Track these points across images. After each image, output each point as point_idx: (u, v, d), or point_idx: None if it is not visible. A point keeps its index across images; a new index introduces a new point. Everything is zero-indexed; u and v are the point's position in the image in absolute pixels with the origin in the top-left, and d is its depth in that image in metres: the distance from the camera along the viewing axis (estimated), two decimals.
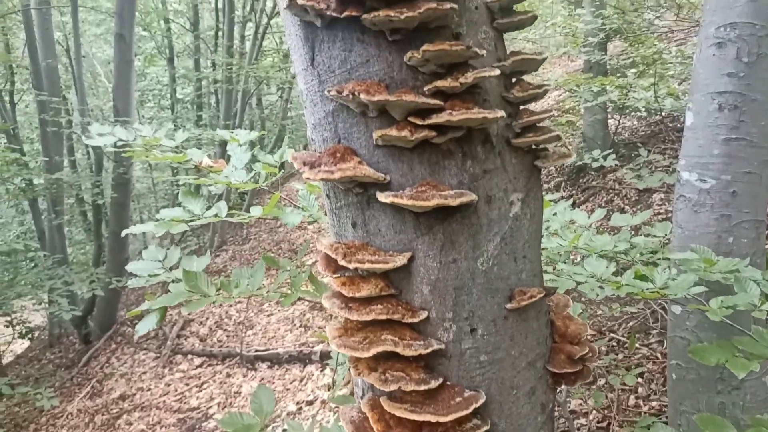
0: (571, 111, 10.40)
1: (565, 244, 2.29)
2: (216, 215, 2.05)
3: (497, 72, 0.97)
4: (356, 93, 0.93)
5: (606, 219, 5.05)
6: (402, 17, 0.90)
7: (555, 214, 2.86)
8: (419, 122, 0.94)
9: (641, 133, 8.38)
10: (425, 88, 0.97)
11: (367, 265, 0.95)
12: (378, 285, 0.99)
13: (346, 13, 0.93)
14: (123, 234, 1.98)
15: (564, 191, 8.51)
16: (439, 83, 0.95)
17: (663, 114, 6.00)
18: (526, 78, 1.13)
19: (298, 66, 1.09)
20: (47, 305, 9.11)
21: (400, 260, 0.97)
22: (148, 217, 15.68)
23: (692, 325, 2.69)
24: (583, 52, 5.70)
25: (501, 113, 0.97)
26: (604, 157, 4.57)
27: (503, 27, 1.10)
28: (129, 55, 8.90)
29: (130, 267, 2.14)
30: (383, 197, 0.96)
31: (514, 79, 1.13)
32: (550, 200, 2.89)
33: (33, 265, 10.57)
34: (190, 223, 1.98)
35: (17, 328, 10.26)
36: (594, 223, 2.77)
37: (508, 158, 1.07)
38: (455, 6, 0.93)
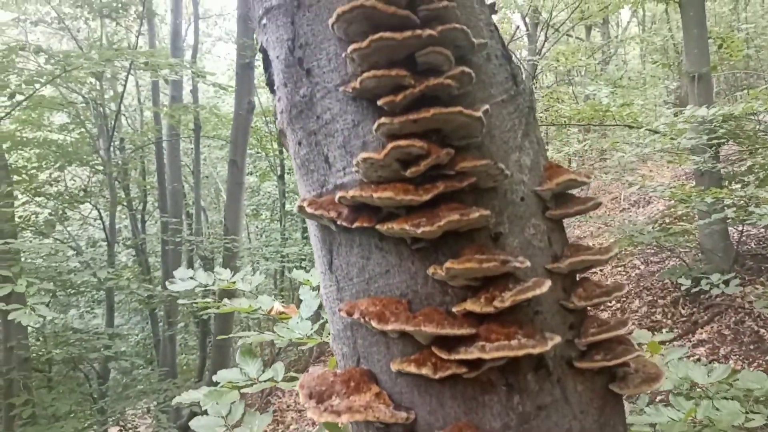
0: (684, 218, 9.55)
1: (679, 419, 1.88)
2: (272, 379, 1.93)
3: (546, 287, 0.77)
4: (366, 318, 0.77)
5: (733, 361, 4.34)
6: (418, 232, 0.75)
7: (667, 365, 2.43)
8: (445, 356, 0.75)
9: None
10: (455, 309, 0.79)
11: None
12: None
13: (357, 224, 0.80)
14: (174, 402, 1.90)
15: (683, 309, 7.58)
16: (470, 306, 0.76)
17: None
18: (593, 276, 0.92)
19: (318, 268, 0.96)
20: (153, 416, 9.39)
21: None
22: (251, 326, 16.13)
23: None
24: (692, 160, 5.25)
25: (556, 340, 0.76)
26: (726, 282, 3.98)
27: (558, 217, 0.91)
28: (240, 178, 9.65)
29: (193, 424, 2.05)
30: None
31: (577, 276, 0.92)
32: (660, 342, 2.47)
33: (149, 370, 11.12)
34: (243, 389, 1.87)
35: None
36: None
37: (571, 386, 0.84)
38: (486, 212, 0.77)
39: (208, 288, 2.58)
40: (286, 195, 18.17)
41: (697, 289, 6.43)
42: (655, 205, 12.02)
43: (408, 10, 0.79)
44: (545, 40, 15.32)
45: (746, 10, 15.66)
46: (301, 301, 2.48)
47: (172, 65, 5.79)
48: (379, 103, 0.79)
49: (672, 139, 4.71)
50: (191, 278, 2.55)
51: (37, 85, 5.16)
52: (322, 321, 2.35)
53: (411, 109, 0.80)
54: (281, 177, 17.46)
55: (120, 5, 7.74)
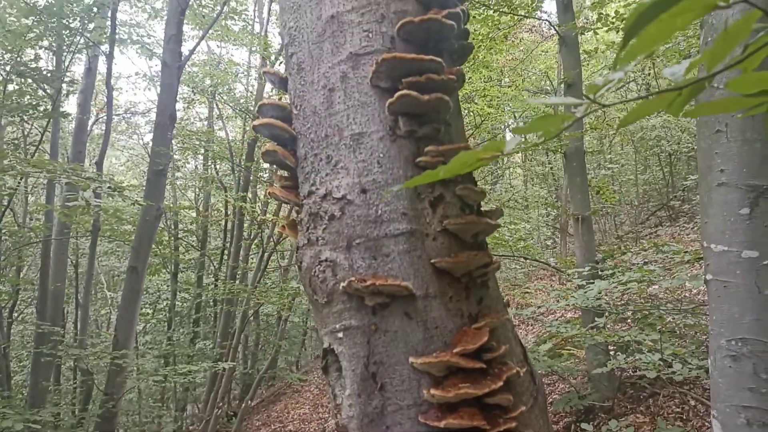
0: (572, 340, 10.35)
1: None
2: None
3: None
4: None
5: None
6: None
7: None
8: None
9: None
10: None
11: None
12: None
13: None
14: None
15: None
16: None
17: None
18: None
19: None
20: None
21: None
22: None
23: None
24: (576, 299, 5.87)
25: None
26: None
27: None
28: (138, 286, 9.13)
29: None
30: None
31: None
32: None
33: None
34: None
35: None
36: None
37: None
38: None
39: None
40: (177, 294, 17.23)
41: (588, 406, 6.93)
42: (542, 326, 12.89)
43: (481, 363, 0.99)
44: None
45: (611, 152, 18.25)
46: None
47: (89, 180, 5.60)
48: None
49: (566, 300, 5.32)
50: None
51: None
52: None
53: None
54: (175, 275, 16.67)
55: (31, 105, 7.47)
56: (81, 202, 5.13)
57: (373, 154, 1.09)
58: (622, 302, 7.35)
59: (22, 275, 14.36)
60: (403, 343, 1.04)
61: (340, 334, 1.09)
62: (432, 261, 1.06)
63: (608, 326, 7.16)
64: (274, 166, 1.31)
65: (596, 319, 4.75)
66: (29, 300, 15.53)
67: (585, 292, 3.90)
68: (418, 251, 1.07)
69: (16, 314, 13.78)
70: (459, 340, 1.00)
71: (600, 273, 5.95)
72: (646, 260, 8.31)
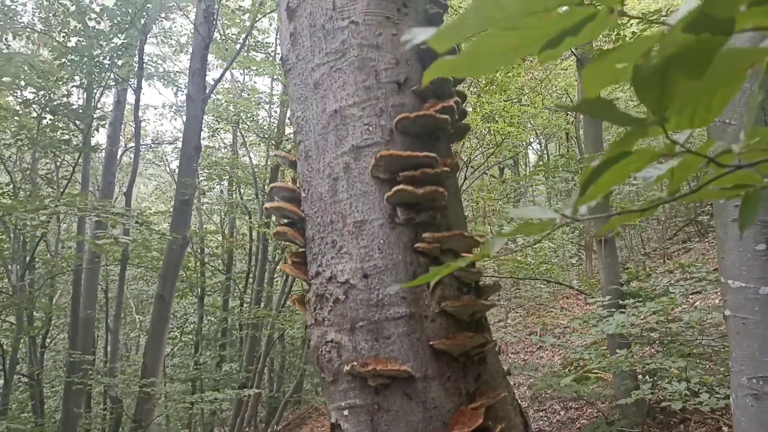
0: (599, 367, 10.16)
1: None
2: None
3: None
4: None
5: None
6: None
7: None
8: None
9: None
10: None
11: None
12: None
13: None
14: None
15: None
16: None
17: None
18: None
19: None
20: None
21: None
22: None
23: None
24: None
25: None
26: None
27: None
28: (166, 314, 9.33)
29: None
30: None
31: None
32: None
33: None
34: None
35: None
36: None
37: None
38: None
39: None
40: (203, 318, 17.46)
41: None
42: (566, 350, 12.67)
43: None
44: (465, 179, 16.71)
45: None
46: None
47: (118, 216, 5.81)
48: None
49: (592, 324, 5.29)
50: None
51: None
52: None
53: None
54: (201, 299, 16.92)
55: (64, 140, 7.78)
56: (109, 240, 5.32)
57: (374, 241, 1.16)
58: (648, 326, 7.23)
59: (54, 301, 14.78)
60: (404, 423, 1.11)
61: (346, 412, 1.16)
62: (430, 343, 1.13)
63: (634, 351, 7.04)
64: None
65: (617, 351, 4.72)
66: (62, 326, 15.90)
67: (603, 326, 3.89)
68: (417, 333, 1.13)
69: (48, 340, 14.13)
70: (456, 421, 1.06)
71: (621, 302, 5.89)
72: (671, 282, 8.17)
